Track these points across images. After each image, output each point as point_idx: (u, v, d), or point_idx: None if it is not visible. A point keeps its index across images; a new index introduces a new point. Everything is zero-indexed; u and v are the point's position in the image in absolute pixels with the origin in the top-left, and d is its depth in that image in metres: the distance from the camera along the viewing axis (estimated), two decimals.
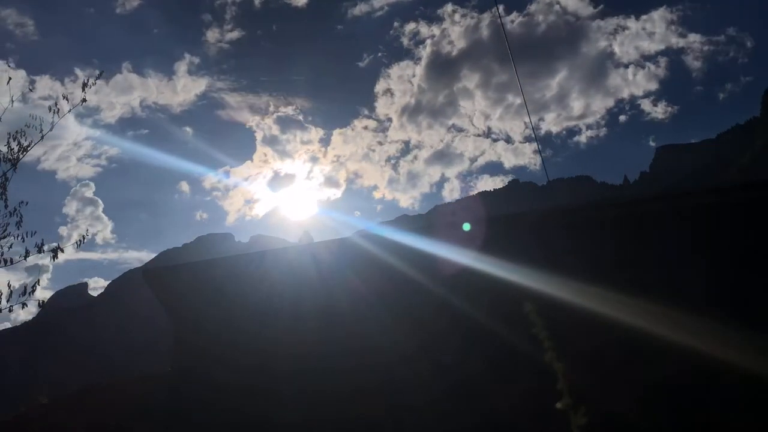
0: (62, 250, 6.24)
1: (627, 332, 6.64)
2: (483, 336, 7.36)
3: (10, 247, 6.11)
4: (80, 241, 6.73)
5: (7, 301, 5.86)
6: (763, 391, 6.17)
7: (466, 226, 7.91)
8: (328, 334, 7.96)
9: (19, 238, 6.17)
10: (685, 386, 6.64)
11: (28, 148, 6.44)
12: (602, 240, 7.75)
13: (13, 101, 6.44)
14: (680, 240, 7.47)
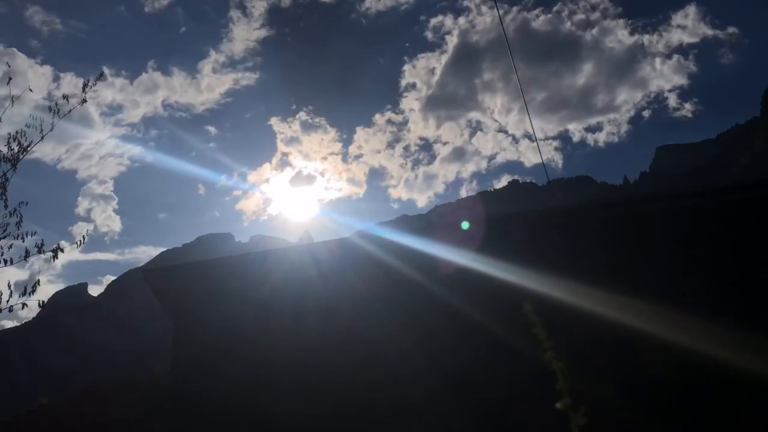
0: (62, 250, 6.23)
1: (625, 332, 6.64)
2: (480, 334, 7.36)
3: (10, 247, 6.11)
4: (80, 241, 6.73)
5: (8, 301, 5.86)
6: (763, 390, 6.18)
7: (465, 225, 7.93)
8: (329, 333, 7.97)
9: (20, 238, 6.17)
10: (684, 386, 6.64)
11: (28, 149, 6.45)
12: (601, 240, 7.75)
13: (13, 101, 6.44)
14: (679, 240, 7.47)
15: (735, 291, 7.04)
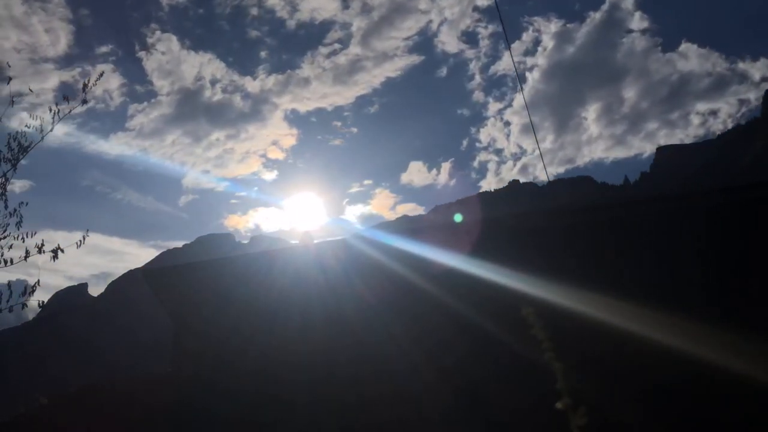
0: (62, 251, 6.22)
1: (625, 335, 6.63)
2: (476, 333, 7.35)
3: (10, 247, 6.10)
4: (80, 241, 6.71)
5: (7, 301, 5.85)
6: (761, 393, 6.17)
7: (458, 217, 7.95)
8: (332, 335, 7.95)
9: (20, 238, 6.15)
10: (683, 388, 6.63)
11: (28, 149, 6.43)
12: (600, 242, 7.74)
13: (13, 101, 6.44)
14: (679, 241, 7.46)
15: (734, 293, 7.03)
